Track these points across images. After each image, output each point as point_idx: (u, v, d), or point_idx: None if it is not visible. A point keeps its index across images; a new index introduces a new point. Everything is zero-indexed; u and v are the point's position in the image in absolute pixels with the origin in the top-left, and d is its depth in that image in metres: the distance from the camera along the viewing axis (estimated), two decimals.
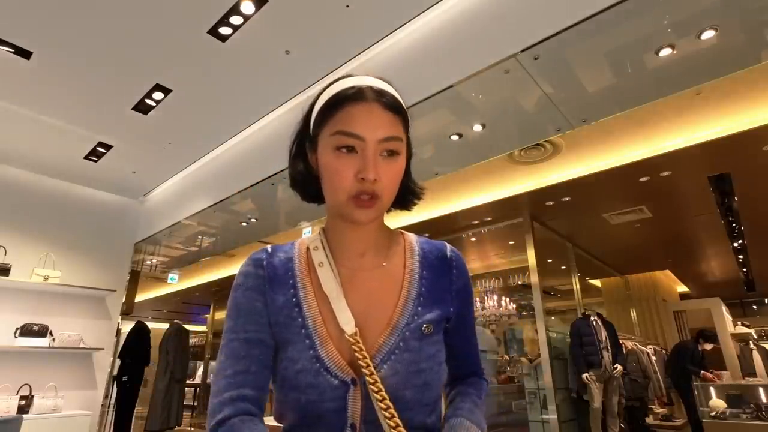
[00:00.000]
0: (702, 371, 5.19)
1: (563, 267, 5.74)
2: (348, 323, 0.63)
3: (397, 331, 0.64)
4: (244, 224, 4.35)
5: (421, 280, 0.70)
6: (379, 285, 0.69)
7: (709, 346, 5.48)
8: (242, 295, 0.68)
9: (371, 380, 0.59)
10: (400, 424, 0.57)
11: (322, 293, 0.67)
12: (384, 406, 0.58)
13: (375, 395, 0.58)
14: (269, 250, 0.73)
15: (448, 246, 0.76)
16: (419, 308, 0.67)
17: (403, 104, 0.68)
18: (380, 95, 0.64)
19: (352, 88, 0.64)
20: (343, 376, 0.61)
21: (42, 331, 3.76)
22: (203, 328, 9.96)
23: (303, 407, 0.61)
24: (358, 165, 0.62)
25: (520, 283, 5.64)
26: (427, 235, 0.80)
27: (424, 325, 0.66)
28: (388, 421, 0.57)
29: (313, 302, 0.66)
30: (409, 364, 0.62)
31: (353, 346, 0.61)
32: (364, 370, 0.59)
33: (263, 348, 0.65)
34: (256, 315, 0.66)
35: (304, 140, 0.73)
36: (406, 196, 0.74)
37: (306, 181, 0.74)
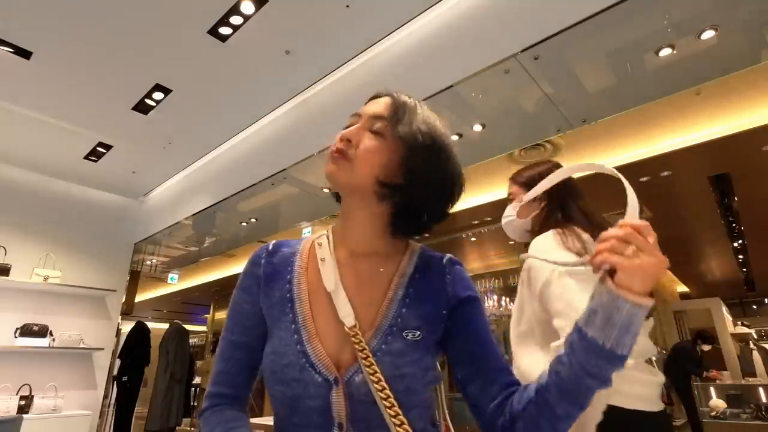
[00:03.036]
0: (705, 372, 5.22)
1: None
2: (347, 316, 0.64)
3: (380, 333, 0.65)
4: (244, 224, 4.35)
5: (411, 282, 0.70)
6: (373, 285, 0.70)
7: (707, 347, 5.49)
8: (237, 295, 0.75)
9: (372, 373, 0.59)
10: (400, 413, 0.58)
11: (319, 289, 0.69)
12: (384, 396, 0.58)
13: (375, 385, 0.59)
14: (270, 247, 0.76)
15: (449, 255, 0.76)
16: (403, 310, 0.67)
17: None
18: (388, 91, 0.76)
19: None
20: (326, 374, 0.62)
21: (42, 331, 3.76)
22: (203, 328, 9.96)
23: (289, 401, 0.63)
24: None
25: None
26: (426, 235, 0.79)
27: (408, 331, 0.65)
28: (388, 411, 0.58)
29: (305, 298, 0.69)
30: (391, 367, 0.61)
31: (352, 338, 0.62)
32: (363, 361, 0.60)
33: (246, 350, 0.71)
34: (243, 318, 0.72)
35: None
36: (408, 219, 0.72)
37: None
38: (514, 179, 1.38)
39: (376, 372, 0.59)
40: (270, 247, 0.76)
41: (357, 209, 0.72)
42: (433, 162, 0.70)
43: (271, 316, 0.70)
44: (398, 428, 0.57)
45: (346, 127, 0.71)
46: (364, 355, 0.61)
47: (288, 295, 0.70)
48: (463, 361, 0.68)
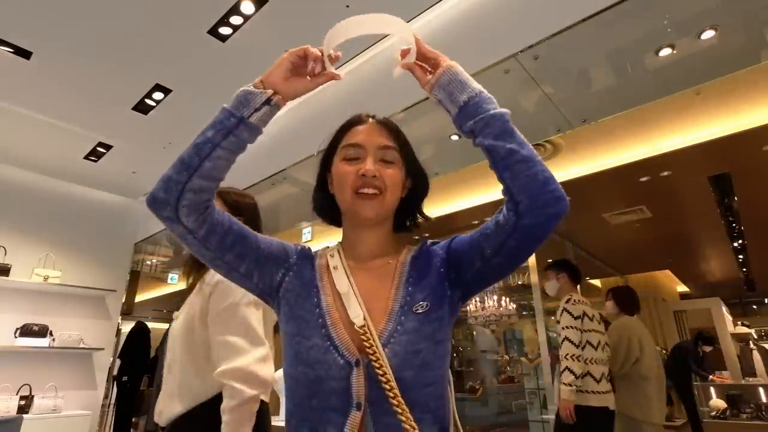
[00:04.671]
0: (710, 376, 5.26)
1: None
2: (357, 316, 0.70)
3: (394, 316, 0.71)
4: None
5: (411, 269, 0.78)
6: (381, 281, 0.77)
7: (708, 348, 5.49)
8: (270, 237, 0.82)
9: (376, 363, 0.64)
10: (402, 402, 0.63)
11: (335, 291, 0.75)
12: (388, 387, 0.63)
13: (381, 378, 0.63)
14: (306, 246, 0.87)
15: (428, 240, 0.86)
16: (409, 288, 0.74)
17: (399, 128, 0.83)
18: (374, 117, 0.82)
19: (355, 116, 0.83)
20: (348, 356, 0.67)
21: (42, 331, 3.76)
22: None
23: (310, 383, 0.67)
24: (360, 167, 0.76)
25: (520, 283, 5.64)
26: (426, 235, 0.83)
27: (417, 305, 0.71)
28: (392, 400, 0.63)
29: (329, 293, 0.75)
30: (407, 345, 0.67)
31: (361, 336, 0.67)
32: (368, 350, 0.65)
33: (252, 237, 0.76)
34: (269, 242, 0.79)
35: (324, 172, 0.86)
36: (408, 218, 0.85)
37: (326, 206, 0.86)
38: None
39: (382, 366, 0.64)
40: (307, 244, 0.86)
41: (368, 227, 0.80)
42: (420, 166, 0.84)
43: (297, 293, 0.75)
44: (401, 415, 0.62)
45: (348, 159, 0.77)
46: (371, 351, 0.65)
47: (315, 286, 0.76)
48: (480, 250, 0.72)
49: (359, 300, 0.72)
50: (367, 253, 0.80)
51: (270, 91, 0.72)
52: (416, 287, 0.74)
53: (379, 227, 0.80)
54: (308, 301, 0.74)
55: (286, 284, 0.77)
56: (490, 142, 0.67)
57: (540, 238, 0.67)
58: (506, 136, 0.66)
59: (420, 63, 0.75)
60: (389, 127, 0.81)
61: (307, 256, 0.82)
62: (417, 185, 0.83)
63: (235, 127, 0.70)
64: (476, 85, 0.70)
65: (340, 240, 0.85)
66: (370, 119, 0.82)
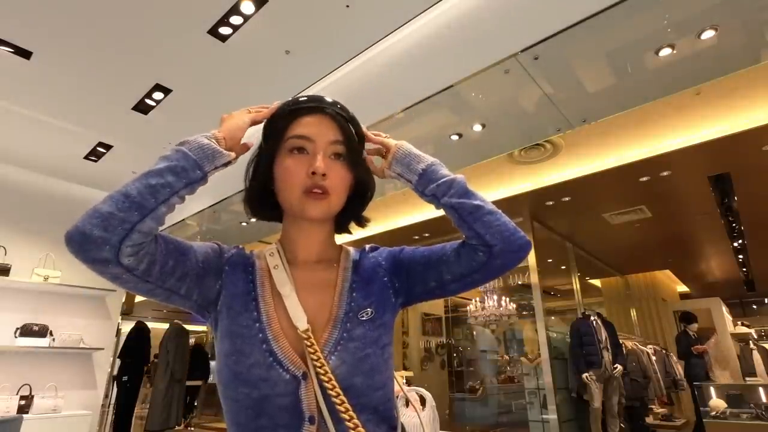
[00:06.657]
0: (694, 347, 5.37)
1: (563, 267, 5.74)
2: (300, 320, 0.67)
3: (339, 323, 0.69)
4: (244, 224, 4.35)
5: (354, 272, 0.76)
6: (324, 285, 0.74)
7: (694, 326, 5.60)
8: (202, 244, 0.76)
9: (323, 373, 0.62)
10: (350, 409, 0.61)
11: (277, 294, 0.71)
12: (339, 401, 0.61)
13: (330, 391, 0.61)
14: (241, 247, 0.80)
15: (368, 245, 0.85)
16: (354, 294, 0.73)
17: (355, 118, 0.78)
18: (332, 105, 0.76)
19: (307, 100, 0.76)
20: (294, 370, 0.63)
21: (42, 331, 3.76)
22: (203, 328, 9.96)
23: (254, 404, 0.63)
24: (308, 163, 0.70)
25: (520, 283, 5.64)
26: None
27: (362, 312, 0.71)
28: (341, 410, 0.61)
29: (269, 300, 0.70)
30: (355, 351, 0.66)
31: (305, 341, 0.64)
32: (315, 362, 0.62)
33: (190, 252, 0.70)
34: (203, 253, 0.73)
35: (262, 160, 0.79)
36: (350, 218, 0.82)
37: (265, 199, 0.78)
38: None
39: (327, 372, 0.62)
40: (240, 246, 0.80)
41: (309, 226, 0.76)
42: (367, 166, 0.80)
43: (231, 306, 0.69)
44: (348, 423, 0.61)
45: (296, 149, 0.72)
46: (315, 357, 0.63)
47: (252, 293, 0.71)
48: (438, 274, 0.75)
49: (301, 303, 0.69)
50: (309, 251, 0.76)
51: (233, 155, 0.73)
52: (360, 294, 0.73)
53: (325, 224, 0.77)
54: (244, 314, 0.68)
55: (223, 297, 0.71)
56: (456, 201, 0.72)
57: (503, 273, 0.75)
58: (470, 195, 0.73)
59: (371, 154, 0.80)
60: (343, 119, 0.75)
61: (239, 263, 0.75)
62: (363, 185, 0.80)
63: (198, 181, 0.69)
64: (429, 156, 0.77)
65: (279, 239, 0.80)
66: (323, 108, 0.76)
